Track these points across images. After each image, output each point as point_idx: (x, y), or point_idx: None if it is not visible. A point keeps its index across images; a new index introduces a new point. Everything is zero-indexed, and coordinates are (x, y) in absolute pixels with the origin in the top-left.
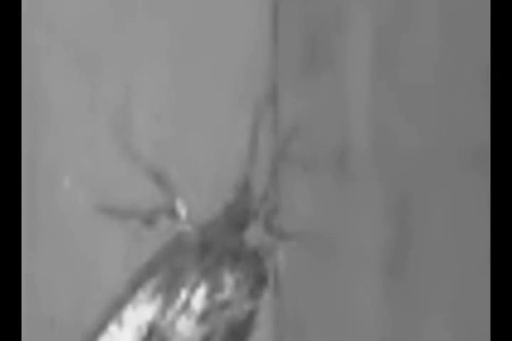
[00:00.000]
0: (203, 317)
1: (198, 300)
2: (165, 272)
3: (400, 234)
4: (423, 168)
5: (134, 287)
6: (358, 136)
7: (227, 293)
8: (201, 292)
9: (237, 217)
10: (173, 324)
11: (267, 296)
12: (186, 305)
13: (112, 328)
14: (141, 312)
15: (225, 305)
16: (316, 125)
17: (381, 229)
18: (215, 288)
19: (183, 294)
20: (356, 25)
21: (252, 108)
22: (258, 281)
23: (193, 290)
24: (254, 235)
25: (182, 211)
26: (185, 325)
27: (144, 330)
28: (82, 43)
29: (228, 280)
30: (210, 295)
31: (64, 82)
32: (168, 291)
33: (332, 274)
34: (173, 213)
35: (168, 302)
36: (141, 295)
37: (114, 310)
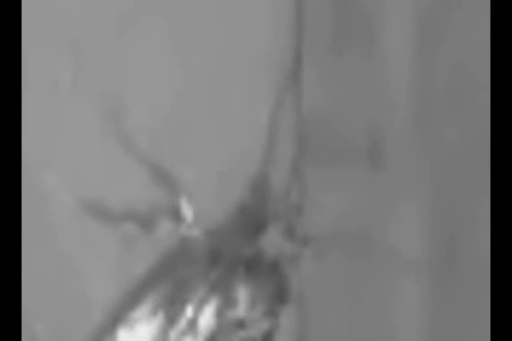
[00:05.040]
0: (212, 338)
1: (207, 318)
2: (166, 285)
3: (448, 234)
4: (475, 160)
5: (129, 303)
6: (396, 123)
7: (240, 310)
8: (210, 309)
9: (252, 219)
10: None
11: (288, 314)
12: (192, 324)
13: None
14: (138, 333)
15: (239, 324)
16: (346, 110)
17: (426, 230)
18: (226, 305)
19: (189, 311)
20: None
21: (271, 90)
22: (277, 296)
23: (200, 307)
24: (273, 241)
25: (186, 212)
26: None
27: None
28: (66, 21)
29: (242, 295)
30: (220, 313)
31: (45, 63)
32: (171, 308)
33: (367, 287)
34: (175, 215)
35: (170, 321)
36: (139, 312)
37: (106, 330)
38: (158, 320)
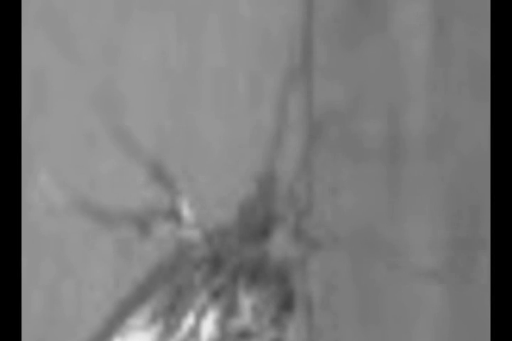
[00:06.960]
0: None
1: (207, 328)
2: (165, 293)
3: (467, 235)
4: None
5: (125, 311)
6: (413, 118)
7: (244, 319)
8: (211, 318)
9: (257, 220)
10: None
11: (295, 324)
12: (192, 334)
13: None
14: None
15: (242, 334)
16: (359, 104)
17: (443, 230)
18: (228, 314)
19: (188, 321)
20: None
21: (279, 82)
22: (284, 304)
23: (200, 316)
24: (279, 245)
25: (186, 213)
26: None
27: None
28: (57, 5)
29: (246, 302)
30: (221, 323)
31: (37, 50)
32: (169, 317)
33: (381, 292)
34: (174, 216)
35: (168, 331)
36: (135, 321)
37: (102, 338)
38: (156, 329)
